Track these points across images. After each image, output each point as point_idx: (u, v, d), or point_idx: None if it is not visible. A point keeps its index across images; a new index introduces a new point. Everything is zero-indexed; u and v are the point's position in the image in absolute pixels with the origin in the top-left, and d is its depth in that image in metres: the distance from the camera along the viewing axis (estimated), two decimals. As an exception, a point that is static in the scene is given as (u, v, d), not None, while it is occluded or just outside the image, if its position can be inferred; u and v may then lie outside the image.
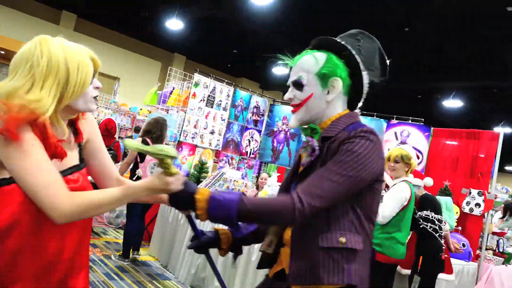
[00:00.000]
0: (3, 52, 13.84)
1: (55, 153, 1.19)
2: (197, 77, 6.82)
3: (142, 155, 4.59)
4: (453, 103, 13.08)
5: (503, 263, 5.24)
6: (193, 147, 6.67)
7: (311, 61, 1.43)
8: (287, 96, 1.48)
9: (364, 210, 1.34)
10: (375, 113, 6.49)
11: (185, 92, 7.14)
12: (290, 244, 1.38)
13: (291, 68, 1.51)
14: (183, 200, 1.28)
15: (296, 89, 1.45)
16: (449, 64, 10.46)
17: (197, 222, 1.47)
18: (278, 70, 14.20)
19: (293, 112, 1.47)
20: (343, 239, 1.29)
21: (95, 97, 1.32)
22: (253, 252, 3.58)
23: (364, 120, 6.38)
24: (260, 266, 1.57)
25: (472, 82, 11.30)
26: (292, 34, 10.90)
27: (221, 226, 1.48)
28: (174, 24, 11.39)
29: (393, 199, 3.19)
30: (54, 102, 1.18)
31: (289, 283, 1.33)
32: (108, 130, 6.79)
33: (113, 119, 7.58)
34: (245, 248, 3.68)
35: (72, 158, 1.31)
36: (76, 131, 1.36)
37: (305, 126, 1.46)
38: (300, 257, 1.33)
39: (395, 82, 13.26)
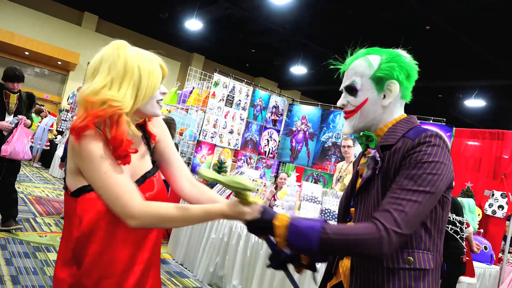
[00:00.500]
0: (27, 53, 14.20)
1: (122, 152, 1.22)
2: (216, 76, 6.87)
3: None
4: (475, 103, 12.82)
5: (527, 266, 5.13)
6: (212, 147, 6.72)
7: (364, 64, 1.32)
8: (340, 102, 1.38)
9: (435, 223, 1.22)
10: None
11: (204, 91, 7.20)
12: (350, 265, 1.29)
13: (343, 72, 1.41)
14: (261, 228, 1.23)
15: (350, 94, 1.34)
16: (471, 62, 10.26)
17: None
18: (296, 70, 14.17)
19: (346, 118, 1.37)
20: (411, 258, 1.18)
21: (159, 102, 1.34)
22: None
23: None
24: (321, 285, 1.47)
25: (494, 80, 11.06)
26: (311, 33, 10.86)
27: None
28: (193, 24, 11.49)
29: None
30: (132, 102, 1.24)
31: None
32: None
33: None
34: (264, 246, 3.69)
35: (146, 164, 1.36)
36: (147, 134, 1.40)
37: (360, 134, 1.37)
38: (362, 276, 1.24)
39: (416, 81, 13.04)
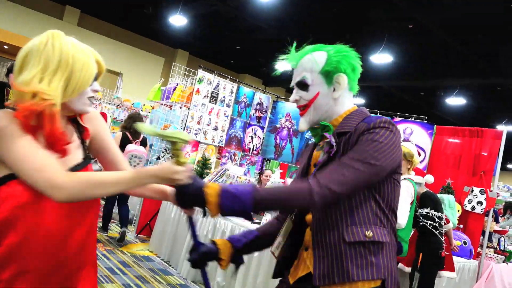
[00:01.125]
0: (6, 47, 13.89)
1: (60, 146, 1.19)
2: (201, 73, 6.84)
3: (122, 147, 4.82)
4: (456, 101, 13.05)
5: (504, 261, 5.26)
6: (196, 143, 6.70)
7: (312, 60, 1.40)
8: (292, 98, 1.45)
9: (387, 202, 1.32)
10: (378, 111, 6.50)
11: (188, 88, 7.16)
12: (312, 244, 1.34)
13: (292, 70, 1.47)
14: (191, 194, 1.22)
15: (301, 90, 1.41)
16: (453, 61, 10.43)
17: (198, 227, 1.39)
18: (281, 66, 14.20)
19: (301, 115, 1.44)
20: (369, 233, 1.27)
21: (90, 99, 1.31)
22: (252, 258, 3.61)
23: (367, 118, 6.38)
24: (276, 275, 1.50)
25: (475, 79, 11.27)
26: (296, 30, 10.88)
27: (218, 237, 1.44)
28: (178, 20, 11.39)
29: (405, 200, 3.17)
30: (61, 95, 1.20)
31: (316, 284, 1.28)
32: None
33: (105, 112, 7.70)
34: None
35: (76, 156, 1.30)
36: (80, 128, 1.35)
37: (316, 126, 1.42)
38: (325, 256, 1.29)
39: (398, 80, 13.27)
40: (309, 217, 1.41)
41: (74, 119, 1.34)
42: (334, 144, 1.32)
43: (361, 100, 15.03)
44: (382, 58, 10.35)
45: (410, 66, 11.13)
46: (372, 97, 15.00)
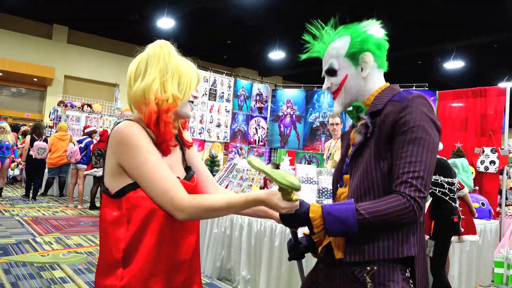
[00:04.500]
0: (1, 74, 13.93)
1: (167, 146, 1.28)
2: (196, 72, 6.82)
3: (32, 144, 5.31)
4: (454, 64, 12.94)
5: (525, 217, 5.24)
6: (202, 142, 6.70)
7: (337, 45, 1.41)
8: (324, 86, 1.47)
9: None
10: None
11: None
12: None
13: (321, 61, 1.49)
14: (296, 220, 1.26)
15: (331, 76, 1.43)
16: (445, 24, 10.32)
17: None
18: (275, 55, 14.11)
19: (334, 98, 1.46)
20: None
21: (190, 104, 1.38)
22: (275, 237, 3.62)
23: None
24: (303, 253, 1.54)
25: (471, 40, 11.15)
26: (285, 16, 10.81)
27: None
28: (165, 22, 11.36)
29: None
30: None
31: (347, 260, 1.30)
32: (104, 137, 7.40)
33: (106, 130, 7.86)
34: (267, 234, 3.71)
35: (181, 169, 1.38)
36: (181, 141, 1.43)
37: (350, 108, 1.44)
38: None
39: (393, 51, 13.11)
40: (342, 191, 1.44)
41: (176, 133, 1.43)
42: (370, 125, 1.32)
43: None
44: (376, 30, 10.25)
45: (404, 35, 11.02)
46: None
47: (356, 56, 1.38)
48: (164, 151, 1.27)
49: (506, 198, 5.19)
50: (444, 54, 12.60)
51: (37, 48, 14.29)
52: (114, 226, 1.22)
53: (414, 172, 1.22)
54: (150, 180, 1.20)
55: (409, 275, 1.29)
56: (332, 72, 1.42)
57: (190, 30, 13.00)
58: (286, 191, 1.19)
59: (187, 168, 1.42)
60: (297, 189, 1.17)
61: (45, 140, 8.27)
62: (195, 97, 1.38)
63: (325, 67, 1.45)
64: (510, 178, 5.68)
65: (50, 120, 11.83)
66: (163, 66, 1.28)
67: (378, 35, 1.41)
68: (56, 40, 14.88)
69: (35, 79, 14.46)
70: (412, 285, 1.28)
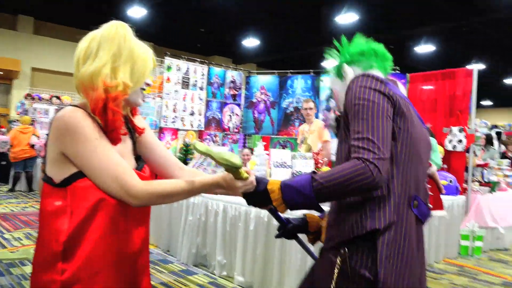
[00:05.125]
0: (-36, 67, 13.39)
1: (117, 134, 1.21)
2: (168, 60, 6.72)
3: None
4: (425, 48, 13.17)
5: (489, 192, 5.44)
6: (175, 131, 6.64)
7: (332, 83, 1.48)
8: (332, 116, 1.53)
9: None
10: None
11: (158, 77, 7.04)
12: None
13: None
14: (257, 198, 1.27)
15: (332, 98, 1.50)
16: (416, 10, 10.46)
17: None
18: (249, 42, 14.04)
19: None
20: None
21: (142, 92, 1.33)
22: (250, 221, 3.63)
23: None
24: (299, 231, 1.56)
25: (440, 24, 11.35)
26: (258, 3, 10.74)
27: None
28: (136, 11, 11.11)
29: None
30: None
31: (324, 246, 1.32)
32: None
33: None
34: (242, 218, 3.73)
35: (132, 159, 1.32)
36: (132, 127, 1.36)
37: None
38: (332, 219, 1.33)
39: (366, 37, 13.22)
40: None
41: (125, 118, 1.35)
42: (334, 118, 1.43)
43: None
44: (347, 18, 10.33)
45: (375, 21, 11.12)
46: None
47: (339, 72, 1.42)
48: (114, 140, 1.20)
49: (473, 175, 5.36)
50: (415, 38, 12.80)
51: (1, 40, 13.78)
52: (55, 217, 1.15)
53: (362, 139, 1.20)
54: (98, 168, 1.14)
55: (380, 249, 1.22)
56: (331, 97, 1.49)
57: (163, 19, 12.76)
58: (232, 170, 1.20)
59: (138, 158, 1.35)
60: (236, 166, 1.18)
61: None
62: (148, 85, 1.32)
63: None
64: (476, 156, 5.86)
65: (17, 114, 11.47)
66: (116, 50, 1.20)
67: (360, 43, 1.45)
68: (21, 31, 14.37)
69: (0, 72, 13.97)
70: (383, 260, 1.21)
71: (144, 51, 1.27)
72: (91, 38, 1.22)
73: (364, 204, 1.23)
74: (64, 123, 1.14)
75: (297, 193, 1.21)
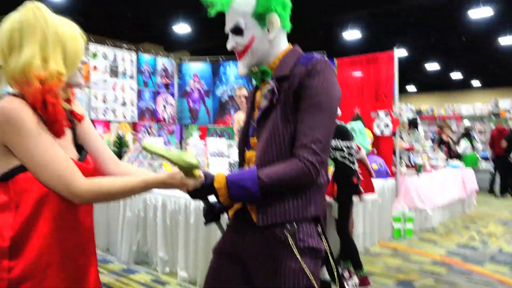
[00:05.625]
0: None
1: (60, 127, 1.17)
2: (93, 47, 6.36)
3: None
4: (351, 34, 13.69)
5: (416, 174, 5.86)
6: (107, 123, 6.35)
7: (242, 2, 1.36)
8: (229, 45, 1.43)
9: None
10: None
11: (84, 66, 6.66)
12: None
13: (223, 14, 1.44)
14: (204, 193, 1.32)
15: (236, 35, 1.39)
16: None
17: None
18: (180, 28, 13.69)
19: (239, 59, 1.43)
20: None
21: (79, 71, 1.27)
22: (190, 214, 3.61)
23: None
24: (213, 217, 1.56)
25: (366, 9, 11.83)
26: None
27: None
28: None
29: None
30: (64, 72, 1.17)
31: (260, 224, 1.35)
32: None
33: None
34: (182, 212, 3.69)
35: (72, 148, 1.27)
36: (71, 115, 1.29)
37: (255, 71, 1.43)
38: (268, 202, 1.35)
39: (295, 20, 13.45)
40: (250, 154, 1.45)
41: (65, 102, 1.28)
42: (276, 91, 1.34)
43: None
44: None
45: (305, 7, 11.32)
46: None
47: (262, 17, 1.36)
48: (57, 132, 1.16)
49: (400, 158, 5.72)
50: (343, 24, 13.25)
51: None
52: (0, 213, 1.11)
53: (314, 137, 1.28)
54: (41, 165, 1.10)
55: (321, 230, 1.39)
56: (238, 31, 1.38)
57: (85, 4, 12.01)
58: (186, 169, 1.20)
59: (79, 148, 1.30)
60: (197, 167, 1.20)
61: None
62: (84, 63, 1.27)
63: (230, 24, 1.40)
64: (402, 140, 6.27)
65: None
66: (41, 37, 1.14)
67: None
68: None
69: None
70: (325, 240, 1.39)
71: (70, 29, 1.21)
72: (10, 28, 1.15)
73: (308, 192, 1.35)
74: (5, 115, 1.08)
75: (243, 190, 1.27)
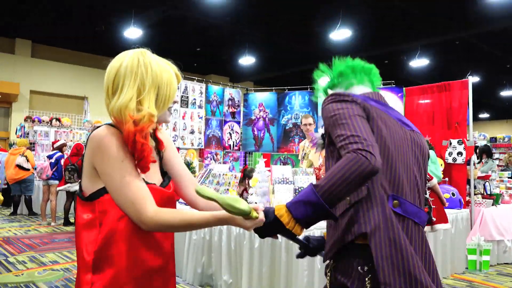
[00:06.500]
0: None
1: (146, 163, 1.24)
2: (166, 80, 6.77)
3: None
4: (419, 62, 13.34)
5: (492, 204, 5.44)
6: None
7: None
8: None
9: None
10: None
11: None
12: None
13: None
14: (271, 230, 1.24)
15: None
16: (409, 24, 10.64)
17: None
18: (245, 61, 14.19)
19: None
20: (347, 199, 1.30)
21: (169, 109, 1.38)
22: (255, 239, 3.63)
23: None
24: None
25: (434, 38, 11.53)
26: (252, 21, 10.89)
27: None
28: (132, 32, 11.24)
29: None
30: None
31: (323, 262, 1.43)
32: (77, 151, 7.26)
33: (81, 143, 7.71)
34: (247, 237, 3.72)
35: (157, 174, 1.36)
36: (157, 140, 1.39)
37: None
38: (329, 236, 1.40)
39: (359, 52, 13.45)
40: None
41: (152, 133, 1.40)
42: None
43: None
44: (341, 34, 10.47)
45: (368, 37, 11.28)
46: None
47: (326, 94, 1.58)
48: (142, 168, 1.24)
49: (475, 187, 5.38)
50: (409, 52, 12.97)
51: (0, 64, 13.87)
52: (87, 229, 1.22)
53: (347, 137, 1.26)
54: (119, 189, 1.19)
55: (367, 268, 1.26)
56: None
57: (158, 39, 12.90)
58: (241, 214, 1.17)
59: (164, 173, 1.38)
60: (247, 214, 1.15)
61: None
62: (175, 102, 1.38)
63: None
64: (476, 168, 5.89)
65: (17, 137, 11.47)
66: (140, 83, 1.25)
67: (339, 65, 1.56)
68: (19, 54, 14.48)
69: (-1, 96, 14.02)
70: (368, 281, 1.25)
71: (167, 74, 1.31)
72: (117, 71, 1.27)
73: (350, 210, 1.30)
74: (96, 140, 1.21)
75: (304, 206, 1.20)
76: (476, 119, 20.68)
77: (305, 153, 5.41)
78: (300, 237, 1.45)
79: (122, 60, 1.28)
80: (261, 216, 1.20)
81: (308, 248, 1.51)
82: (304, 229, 1.24)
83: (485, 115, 21.46)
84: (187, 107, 7.03)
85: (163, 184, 1.33)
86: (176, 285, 4.13)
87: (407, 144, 1.40)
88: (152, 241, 1.27)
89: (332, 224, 1.35)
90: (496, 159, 12.31)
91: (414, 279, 1.21)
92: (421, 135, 1.52)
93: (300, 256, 1.54)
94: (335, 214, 1.26)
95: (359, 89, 1.51)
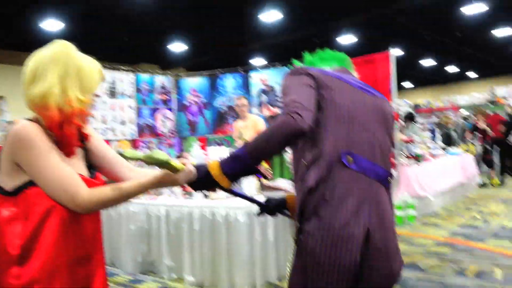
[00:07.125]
0: None
1: (71, 148, 1.29)
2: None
3: None
4: (347, 39, 13.82)
5: (416, 163, 5.91)
6: (107, 142, 6.41)
7: None
8: None
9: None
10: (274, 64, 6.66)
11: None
12: None
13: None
14: (203, 182, 1.33)
15: None
16: (336, 4, 10.92)
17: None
18: (175, 47, 13.88)
19: None
20: (303, 161, 1.39)
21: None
22: (194, 221, 3.60)
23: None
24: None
25: (359, 15, 11.95)
26: (181, 7, 10.63)
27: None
28: (52, 24, 10.56)
29: None
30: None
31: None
32: None
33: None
34: (185, 220, 3.68)
35: (83, 167, 1.37)
36: (80, 134, 1.40)
37: None
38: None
39: (294, 33, 13.62)
40: None
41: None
42: None
43: (262, 60, 15.28)
44: (271, 15, 10.58)
45: (298, 18, 11.45)
46: (270, 55, 15.29)
47: None
48: (68, 153, 1.29)
49: (400, 150, 5.74)
50: (337, 31, 13.36)
51: None
52: (10, 224, 1.21)
53: (285, 105, 1.34)
54: (49, 180, 1.21)
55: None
56: None
57: (82, 31, 12.21)
58: (165, 166, 1.26)
59: (89, 166, 1.41)
60: (163, 160, 1.24)
61: None
62: (97, 96, 1.40)
63: None
64: (400, 132, 6.29)
65: None
66: (63, 70, 1.27)
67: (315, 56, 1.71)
68: None
69: None
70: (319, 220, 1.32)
71: (90, 66, 1.34)
72: (39, 60, 1.28)
73: (306, 172, 1.36)
74: (19, 135, 1.22)
75: (233, 161, 1.30)
76: (400, 88, 21.91)
77: (240, 133, 5.45)
78: (262, 199, 1.71)
79: (42, 50, 1.30)
80: (189, 167, 1.29)
81: (266, 208, 1.65)
82: (233, 182, 1.34)
83: (408, 85, 22.82)
84: (115, 97, 6.77)
85: (90, 176, 1.36)
86: (117, 277, 4.02)
87: (366, 108, 1.45)
88: (80, 229, 1.29)
89: (297, 188, 1.43)
90: (419, 123, 13.21)
91: (332, 228, 1.29)
92: (385, 100, 1.56)
93: (258, 214, 1.69)
94: (258, 169, 1.38)
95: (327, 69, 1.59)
